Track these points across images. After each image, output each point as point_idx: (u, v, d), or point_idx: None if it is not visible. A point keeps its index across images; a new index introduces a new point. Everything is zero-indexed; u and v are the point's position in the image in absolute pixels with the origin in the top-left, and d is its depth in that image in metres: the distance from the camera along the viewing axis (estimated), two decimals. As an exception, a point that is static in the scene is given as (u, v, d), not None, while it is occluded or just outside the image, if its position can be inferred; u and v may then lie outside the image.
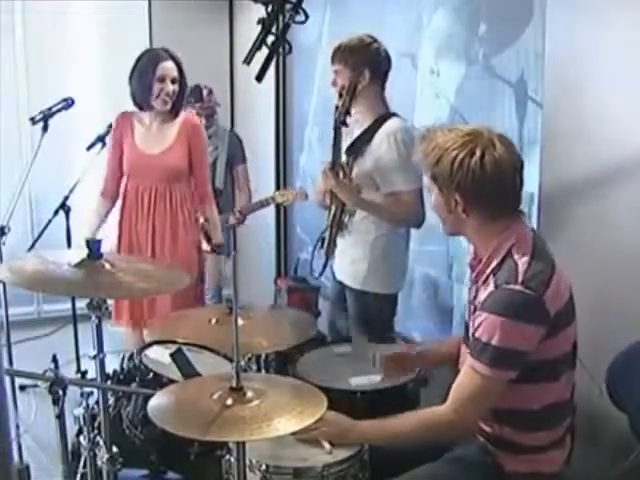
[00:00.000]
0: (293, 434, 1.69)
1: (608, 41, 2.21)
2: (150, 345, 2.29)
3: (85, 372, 2.90)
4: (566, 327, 1.65)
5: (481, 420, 1.73)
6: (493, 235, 1.67)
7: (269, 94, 4.36)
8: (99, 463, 1.92)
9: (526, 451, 1.70)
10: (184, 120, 2.99)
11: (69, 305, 3.01)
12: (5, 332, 2.94)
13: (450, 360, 1.95)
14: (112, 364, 2.20)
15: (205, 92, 3.83)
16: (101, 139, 2.86)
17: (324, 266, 2.80)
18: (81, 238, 1.95)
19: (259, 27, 1.99)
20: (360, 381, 2.11)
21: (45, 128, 2.87)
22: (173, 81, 2.89)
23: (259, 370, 2.43)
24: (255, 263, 4.73)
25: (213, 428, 1.40)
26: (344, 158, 2.58)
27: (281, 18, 2.02)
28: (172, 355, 2.02)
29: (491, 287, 1.62)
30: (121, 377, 2.24)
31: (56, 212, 2.83)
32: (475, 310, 1.70)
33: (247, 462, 1.59)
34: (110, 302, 2.54)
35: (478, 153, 1.59)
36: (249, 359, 2.33)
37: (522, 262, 1.61)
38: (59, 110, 2.91)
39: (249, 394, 1.50)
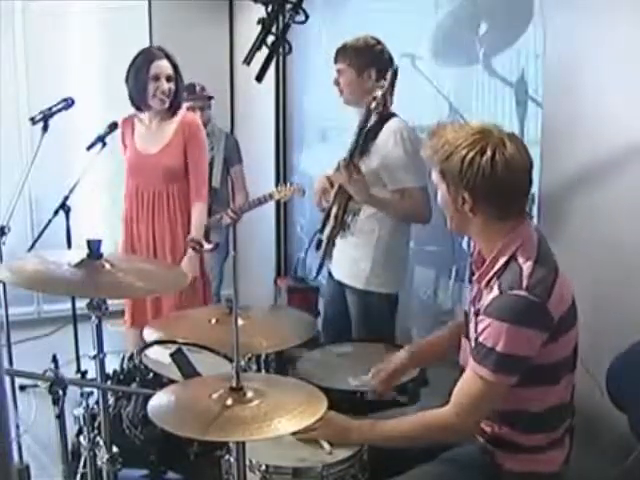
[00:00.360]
0: (293, 434, 1.69)
1: (608, 41, 2.21)
2: (150, 345, 2.29)
3: (85, 372, 2.89)
4: (568, 331, 1.65)
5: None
6: (499, 236, 1.66)
7: (269, 94, 4.36)
8: (99, 463, 1.92)
9: (525, 451, 1.70)
10: (182, 119, 2.99)
11: (69, 305, 3.01)
12: (5, 332, 2.94)
13: (442, 355, 1.96)
14: (112, 364, 2.20)
15: (198, 88, 3.87)
16: (101, 139, 2.86)
17: (320, 267, 2.81)
18: (81, 238, 1.94)
19: (259, 27, 1.99)
20: (360, 381, 2.11)
21: (45, 128, 2.87)
22: (168, 79, 2.89)
23: (259, 370, 2.43)
24: (255, 263, 4.73)
25: (213, 428, 1.40)
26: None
27: (281, 18, 2.02)
28: (172, 355, 2.02)
29: (495, 291, 1.61)
30: (121, 377, 2.24)
31: (56, 212, 2.83)
32: (477, 311, 1.69)
33: (247, 462, 1.59)
34: (111, 302, 2.53)
35: (489, 152, 1.58)
36: (249, 359, 2.33)
37: (526, 266, 1.60)
38: (59, 110, 2.90)
39: (249, 394, 1.50)
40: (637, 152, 2.17)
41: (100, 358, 1.90)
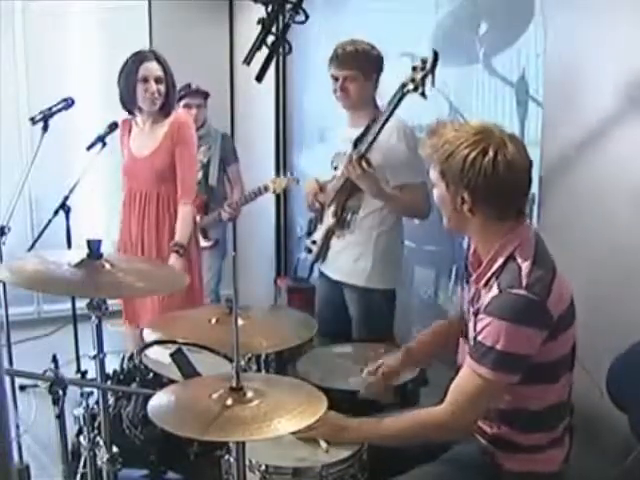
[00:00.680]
0: (292, 433, 1.69)
1: (609, 41, 2.21)
2: (150, 345, 2.29)
3: (85, 372, 2.89)
4: (567, 330, 1.65)
5: (480, 420, 1.73)
6: (497, 236, 1.66)
7: (269, 94, 4.37)
8: (99, 463, 1.92)
9: (525, 450, 1.70)
10: (173, 121, 2.98)
11: (69, 305, 3.01)
12: (5, 332, 2.94)
13: (440, 351, 1.97)
14: (112, 364, 2.20)
15: (194, 87, 3.89)
16: (101, 139, 2.86)
17: (311, 268, 2.83)
18: (81, 238, 1.94)
19: (259, 27, 2.00)
20: (360, 381, 2.11)
21: (45, 128, 2.87)
22: (157, 81, 2.89)
23: (259, 370, 2.43)
24: (255, 263, 4.73)
25: (213, 428, 1.40)
26: (350, 151, 2.61)
27: (281, 18, 2.02)
28: (172, 355, 2.02)
29: (494, 290, 1.61)
30: (121, 377, 2.24)
31: (56, 212, 2.83)
32: (476, 311, 1.69)
33: (247, 462, 1.59)
34: (111, 302, 2.53)
35: (491, 153, 1.57)
36: (249, 359, 2.33)
37: (525, 266, 1.60)
38: (59, 110, 2.90)
39: (249, 394, 1.50)
40: (637, 152, 2.16)
41: (100, 358, 1.90)
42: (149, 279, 1.93)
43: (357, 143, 2.58)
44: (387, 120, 2.43)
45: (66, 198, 2.81)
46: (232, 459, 1.70)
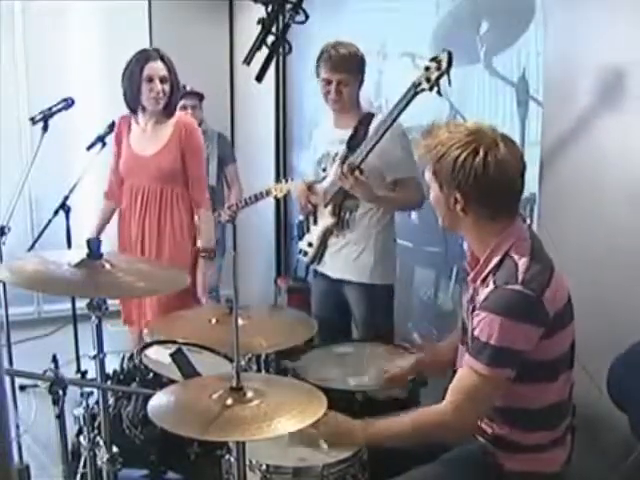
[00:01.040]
0: (294, 433, 1.69)
1: (609, 40, 2.21)
2: (150, 345, 2.29)
3: (85, 372, 2.90)
4: (564, 328, 1.65)
5: (481, 420, 1.73)
6: (490, 235, 1.67)
7: (269, 94, 4.37)
8: (99, 463, 1.92)
9: (526, 450, 1.70)
10: (178, 121, 2.98)
11: (69, 305, 3.01)
12: (5, 332, 2.94)
13: (446, 367, 1.94)
14: (112, 364, 2.20)
15: (189, 87, 3.90)
16: (101, 139, 2.86)
17: (308, 270, 2.86)
18: (81, 238, 1.94)
19: (259, 27, 1.99)
20: (359, 381, 2.12)
21: (45, 128, 2.87)
22: (162, 80, 2.88)
23: (259, 370, 2.43)
24: (255, 263, 4.74)
25: (213, 428, 1.39)
26: (343, 153, 2.66)
27: (281, 18, 2.02)
28: (172, 355, 2.02)
29: (491, 287, 1.62)
30: (121, 377, 2.24)
31: (56, 212, 2.83)
32: (474, 309, 1.69)
33: (247, 462, 1.59)
34: (111, 302, 2.53)
35: (481, 153, 1.59)
36: (249, 359, 2.33)
37: (522, 262, 1.61)
38: (59, 110, 2.90)
39: (249, 394, 1.50)
40: (638, 153, 2.16)
41: (100, 358, 1.90)
42: (149, 279, 1.93)
43: (351, 146, 2.60)
44: (395, 120, 2.43)
45: (66, 198, 2.81)
46: (232, 459, 1.70)
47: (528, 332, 1.58)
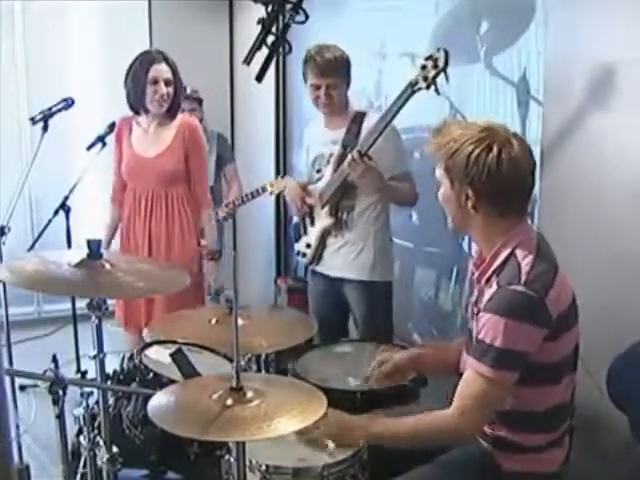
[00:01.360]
0: (297, 433, 1.68)
1: (609, 40, 2.21)
2: (150, 345, 2.29)
3: (85, 372, 2.89)
4: (568, 330, 1.65)
5: (488, 423, 1.72)
6: (499, 234, 1.66)
7: (269, 94, 4.36)
8: (99, 463, 1.92)
9: (525, 451, 1.70)
10: (181, 123, 2.97)
11: (69, 305, 3.01)
12: (5, 332, 2.94)
13: (449, 368, 1.91)
14: (112, 364, 2.20)
15: (189, 90, 3.90)
16: (101, 139, 2.86)
17: (306, 268, 2.88)
18: (81, 238, 1.94)
19: (259, 27, 1.99)
20: (359, 381, 2.11)
21: (45, 128, 2.86)
22: (167, 83, 2.88)
23: (259, 370, 2.43)
24: (255, 263, 4.73)
25: (213, 428, 1.39)
26: (339, 153, 2.67)
27: (281, 18, 2.02)
28: (172, 355, 2.02)
29: (494, 287, 1.62)
30: (121, 377, 2.24)
31: (56, 212, 2.83)
32: (479, 311, 1.69)
33: (247, 462, 1.59)
34: (111, 302, 2.54)
35: (495, 150, 1.59)
36: (249, 359, 2.33)
37: (525, 262, 1.60)
38: (59, 110, 2.90)
39: (249, 394, 1.49)
40: (637, 152, 2.16)
41: (100, 358, 1.90)
42: (149, 279, 1.93)
43: (345, 144, 2.60)
44: (394, 118, 2.44)
45: (66, 198, 2.81)
46: (232, 459, 1.70)
47: (531, 333, 1.57)
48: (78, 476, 2.06)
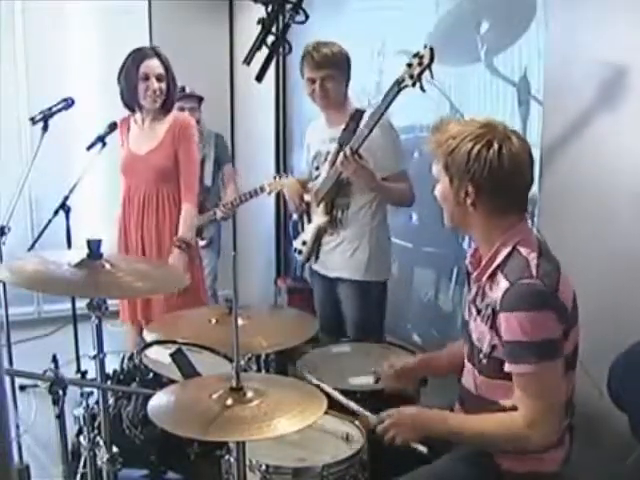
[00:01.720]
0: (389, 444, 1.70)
1: (610, 39, 2.20)
2: (150, 345, 2.29)
3: (85, 372, 2.89)
4: (573, 327, 1.65)
5: (562, 419, 1.68)
6: (498, 232, 1.66)
7: (269, 94, 4.36)
8: (99, 463, 1.92)
9: (525, 451, 1.69)
10: (174, 119, 2.98)
11: (69, 305, 3.00)
12: (5, 332, 2.94)
13: (453, 369, 1.90)
14: (112, 364, 2.20)
15: (188, 90, 3.90)
16: (101, 139, 2.85)
17: (302, 268, 2.87)
18: (81, 238, 1.94)
19: (259, 27, 1.99)
20: (360, 381, 2.11)
21: (45, 128, 2.86)
22: (159, 79, 2.88)
23: (259, 370, 2.43)
24: (255, 263, 4.73)
25: (213, 428, 1.39)
26: (335, 150, 2.66)
27: (281, 18, 2.02)
28: (172, 355, 2.02)
29: (504, 283, 1.60)
30: (121, 377, 2.24)
31: (56, 212, 2.82)
32: (479, 311, 1.69)
33: (247, 462, 1.59)
34: (111, 302, 2.54)
35: (496, 145, 1.59)
36: (249, 359, 2.33)
37: (532, 257, 1.60)
38: (59, 110, 2.90)
39: (249, 394, 1.49)
40: (637, 152, 2.16)
41: (100, 358, 1.90)
42: (149, 279, 1.93)
43: (341, 141, 2.61)
44: (382, 116, 2.44)
45: (66, 198, 2.81)
46: (232, 459, 1.70)
47: (553, 319, 1.56)
48: (78, 476, 2.06)
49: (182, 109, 3.78)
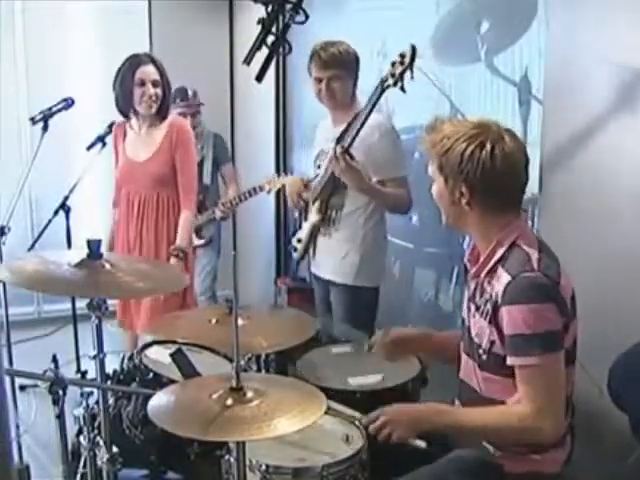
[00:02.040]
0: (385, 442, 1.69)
1: (609, 40, 2.20)
2: (150, 345, 2.29)
3: (85, 372, 2.89)
4: (572, 321, 1.65)
5: (565, 410, 1.68)
6: (494, 230, 1.66)
7: (269, 94, 4.36)
8: (99, 463, 1.92)
9: (526, 451, 1.69)
10: (171, 124, 2.98)
11: (69, 305, 3.01)
12: (5, 332, 2.94)
13: (447, 350, 1.90)
14: (112, 364, 2.20)
15: (190, 93, 3.90)
16: (101, 139, 2.86)
17: (297, 266, 2.87)
18: (81, 238, 1.94)
19: (259, 27, 1.99)
20: (359, 381, 2.11)
21: (45, 128, 2.87)
22: (154, 84, 2.90)
23: (259, 370, 2.43)
24: (255, 263, 4.73)
25: (213, 428, 1.39)
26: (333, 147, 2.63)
27: (281, 18, 2.02)
28: (172, 355, 2.02)
29: (505, 277, 1.60)
30: (121, 377, 2.24)
31: (56, 212, 2.83)
32: (477, 307, 1.69)
33: (247, 462, 1.59)
34: (111, 302, 2.54)
35: (489, 146, 1.59)
36: (249, 359, 2.33)
37: (532, 251, 1.61)
38: (59, 110, 2.90)
39: (249, 394, 1.49)
40: (637, 152, 2.16)
41: (100, 358, 1.90)
42: (149, 279, 1.93)
43: (339, 140, 2.61)
44: (369, 115, 2.44)
45: (66, 198, 2.81)
46: (232, 459, 1.70)
47: (554, 311, 1.56)
48: (78, 476, 2.06)
49: (184, 115, 3.76)
